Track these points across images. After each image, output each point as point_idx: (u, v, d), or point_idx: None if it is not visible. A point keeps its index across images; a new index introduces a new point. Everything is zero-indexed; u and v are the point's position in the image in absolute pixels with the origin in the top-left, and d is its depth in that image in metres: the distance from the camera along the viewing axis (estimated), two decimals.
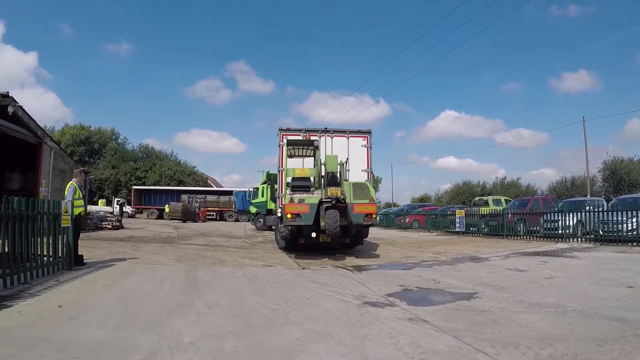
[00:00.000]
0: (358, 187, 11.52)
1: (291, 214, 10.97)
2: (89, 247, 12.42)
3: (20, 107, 18.63)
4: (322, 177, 11.74)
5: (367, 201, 11.34)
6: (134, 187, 54.24)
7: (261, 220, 27.72)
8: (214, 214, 49.54)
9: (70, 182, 9.54)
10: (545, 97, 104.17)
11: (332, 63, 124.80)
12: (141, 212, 52.42)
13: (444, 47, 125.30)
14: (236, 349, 4.01)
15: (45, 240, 8.02)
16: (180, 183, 60.63)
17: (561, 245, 15.39)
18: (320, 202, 11.09)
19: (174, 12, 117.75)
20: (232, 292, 6.86)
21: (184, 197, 48.72)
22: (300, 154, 13.77)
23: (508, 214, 20.79)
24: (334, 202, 10.96)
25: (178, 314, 5.31)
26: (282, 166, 13.03)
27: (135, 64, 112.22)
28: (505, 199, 28.42)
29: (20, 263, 7.08)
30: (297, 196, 11.21)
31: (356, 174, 12.85)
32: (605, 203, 18.37)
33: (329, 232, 10.71)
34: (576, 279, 8.02)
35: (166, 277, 8.20)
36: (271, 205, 24.22)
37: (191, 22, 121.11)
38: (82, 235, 10.85)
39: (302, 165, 13.37)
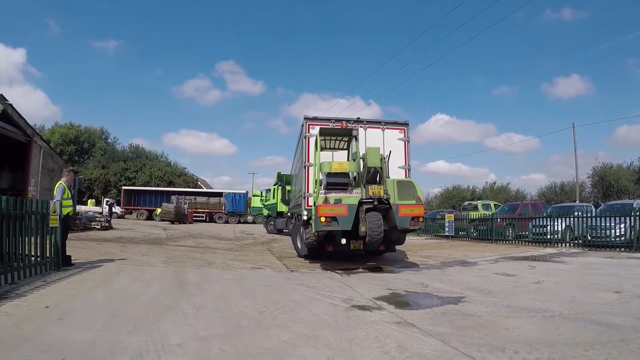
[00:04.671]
0: (403, 186, 9.87)
1: (326, 217, 9.21)
2: (77, 247, 12.34)
3: (10, 105, 18.54)
4: (360, 173, 10.12)
5: (414, 202, 9.67)
6: (124, 187, 53.91)
7: (272, 223, 27.24)
8: (204, 215, 49.43)
9: (60, 181, 9.49)
10: (537, 103, 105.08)
11: (322, 64, 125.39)
12: (130, 213, 52.17)
13: (437, 51, 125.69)
14: (223, 352, 4.00)
15: (33, 240, 7.95)
16: (170, 184, 60.27)
17: (549, 250, 15.47)
18: (360, 203, 9.46)
19: (162, 9, 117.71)
20: (220, 294, 6.86)
21: (174, 198, 48.49)
22: (331, 146, 11.97)
23: (497, 219, 20.89)
24: (376, 202, 9.46)
25: (165, 316, 5.29)
26: (308, 161, 11.42)
27: (123, 62, 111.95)
28: (494, 204, 28.65)
29: (8, 263, 7.02)
30: (333, 195, 9.51)
31: (393, 171, 10.98)
32: (593, 209, 18.54)
33: (371, 239, 9.08)
34: (564, 284, 8.08)
35: (154, 279, 8.16)
36: (282, 208, 23.98)
37: (180, 20, 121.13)
38: (70, 235, 10.77)
39: (331, 160, 11.28)
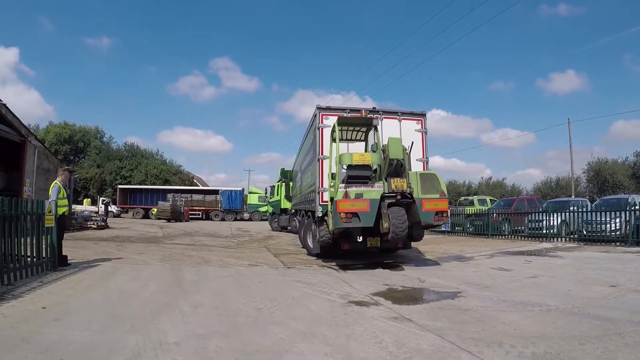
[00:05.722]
0: (427, 178, 9.31)
1: (346, 214, 8.63)
2: (73, 247, 12.30)
3: (4, 104, 18.45)
4: (381, 165, 9.48)
5: (438, 196, 9.14)
6: (119, 186, 53.63)
7: (276, 220, 26.87)
8: (200, 213, 49.35)
9: (55, 181, 9.45)
10: (532, 98, 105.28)
11: (317, 60, 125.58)
12: (127, 212, 51.88)
13: (432, 47, 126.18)
14: (221, 349, 4.00)
15: (29, 240, 7.92)
16: (166, 182, 60.05)
17: (545, 245, 15.52)
18: (382, 198, 8.88)
19: (155, 6, 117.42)
20: (218, 292, 6.85)
21: (170, 196, 48.39)
22: (347, 137, 11.27)
23: (493, 214, 20.94)
24: (398, 197, 8.92)
25: (163, 315, 5.29)
26: (322, 153, 10.79)
27: (116, 59, 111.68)
28: (490, 199, 28.68)
29: (4, 264, 6.98)
30: (354, 190, 8.86)
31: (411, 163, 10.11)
32: (589, 203, 18.57)
33: (395, 236, 8.58)
34: (560, 278, 8.11)
35: (151, 277, 8.16)
36: (285, 204, 23.84)
37: (173, 16, 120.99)
38: (66, 235, 10.75)
39: (346, 152, 10.14)
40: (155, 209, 42.88)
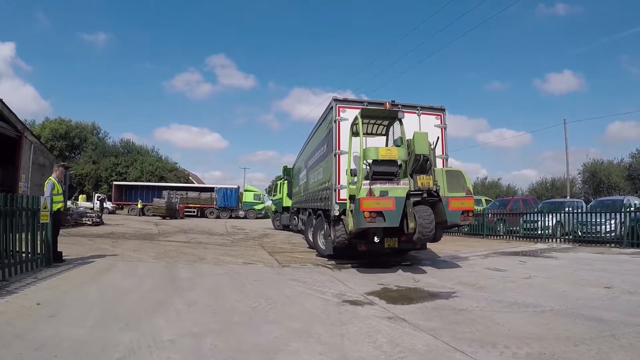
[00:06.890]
0: (453, 176, 8.91)
1: (370, 212, 8.05)
2: (68, 243, 12.24)
3: (0, 100, 18.37)
4: (405, 161, 8.99)
5: (464, 194, 8.75)
6: (115, 182, 53.65)
7: (279, 219, 26.32)
8: (195, 210, 49.27)
9: (49, 177, 9.41)
10: (529, 98, 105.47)
11: (313, 59, 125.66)
12: (122, 208, 51.83)
13: (429, 47, 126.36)
14: (215, 347, 4.00)
15: (23, 236, 7.89)
16: (162, 179, 60.08)
17: (540, 246, 15.54)
18: (407, 196, 8.39)
19: (151, 2, 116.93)
20: (212, 290, 6.85)
21: (165, 193, 48.30)
22: (368, 131, 10.56)
23: (488, 214, 20.97)
24: (425, 195, 8.50)
25: (157, 312, 5.29)
26: (339, 148, 10.14)
27: (112, 56, 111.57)
28: (485, 199, 28.66)
29: None
30: (378, 187, 8.30)
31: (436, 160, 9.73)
32: (584, 204, 18.62)
33: (421, 236, 8.10)
34: (554, 279, 8.13)
35: (146, 275, 8.15)
36: (287, 203, 23.64)
37: (169, 13, 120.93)
38: (61, 231, 10.70)
39: (364, 147, 9.14)
40: (141, 204, 43.34)
